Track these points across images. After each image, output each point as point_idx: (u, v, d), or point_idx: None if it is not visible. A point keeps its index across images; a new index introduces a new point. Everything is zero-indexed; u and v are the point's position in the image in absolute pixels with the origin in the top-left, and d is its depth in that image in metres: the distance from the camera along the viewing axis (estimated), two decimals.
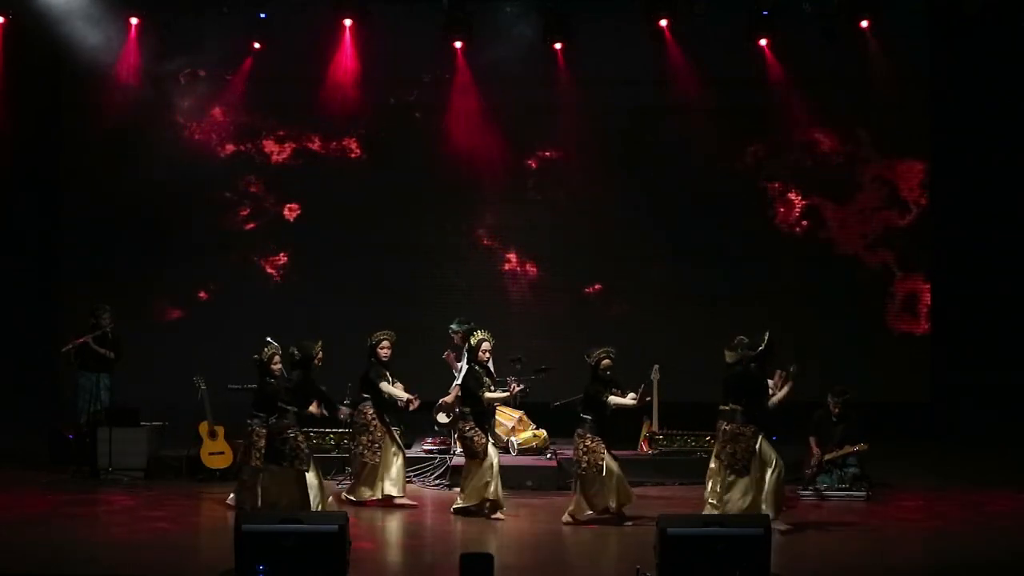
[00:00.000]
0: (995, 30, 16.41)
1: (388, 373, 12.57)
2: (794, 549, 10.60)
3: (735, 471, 11.12)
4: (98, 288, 16.14)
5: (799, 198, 17.61)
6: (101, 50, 16.39)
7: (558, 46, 16.86)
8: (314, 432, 13.39)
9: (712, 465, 11.47)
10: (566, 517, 11.60)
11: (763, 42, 16.93)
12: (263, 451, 11.68)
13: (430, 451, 14.04)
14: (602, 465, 11.45)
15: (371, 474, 12.39)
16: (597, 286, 17.53)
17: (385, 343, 12.56)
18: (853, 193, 17.60)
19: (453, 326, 13.69)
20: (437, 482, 13.41)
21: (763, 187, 17.57)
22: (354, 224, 17.23)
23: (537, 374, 14.23)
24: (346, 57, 17.04)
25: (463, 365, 13.24)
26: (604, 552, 10.78)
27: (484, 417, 12.10)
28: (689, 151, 17.26)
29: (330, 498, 11.96)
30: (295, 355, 11.78)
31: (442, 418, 13.80)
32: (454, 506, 12.07)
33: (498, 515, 11.83)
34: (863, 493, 12.91)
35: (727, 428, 11.22)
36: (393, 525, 11.81)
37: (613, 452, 11.72)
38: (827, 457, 13.08)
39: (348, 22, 16.79)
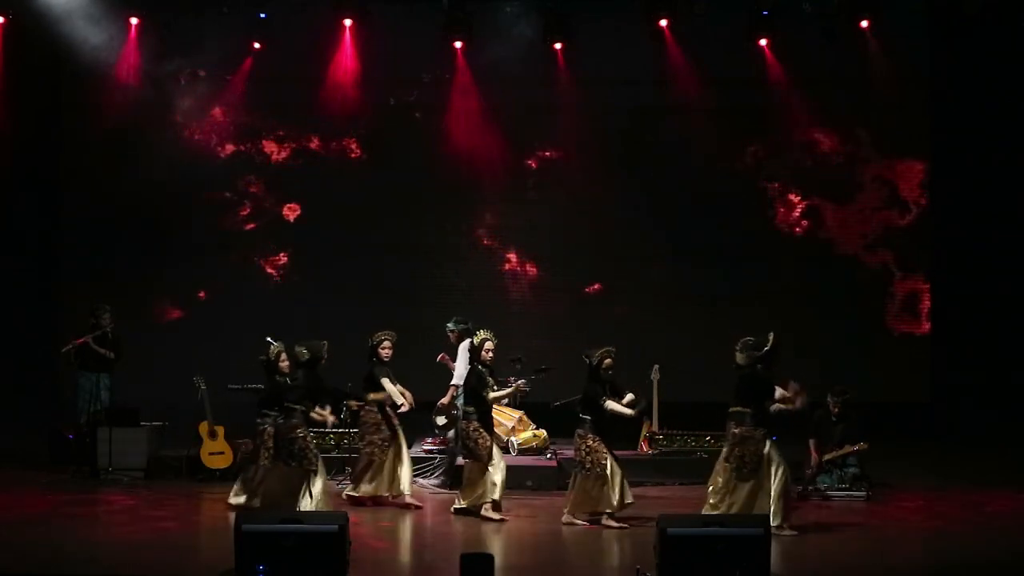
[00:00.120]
0: (995, 30, 16.42)
1: (391, 373, 12.58)
2: (794, 549, 10.59)
3: (741, 475, 11.07)
4: (98, 288, 16.14)
5: (799, 198, 17.62)
6: (101, 50, 16.39)
7: (558, 46, 16.87)
8: (314, 431, 13.37)
9: (718, 467, 11.41)
10: (566, 517, 11.58)
11: (763, 42, 16.95)
12: (272, 450, 11.67)
13: (430, 451, 14.04)
14: (605, 464, 11.44)
15: (377, 471, 12.37)
16: (597, 286, 17.53)
17: (387, 343, 12.55)
18: (853, 193, 17.61)
19: (450, 325, 13.69)
20: (437, 482, 13.40)
21: (763, 187, 17.58)
22: (354, 224, 17.24)
23: (537, 374, 14.24)
24: (346, 57, 17.05)
25: (459, 365, 13.25)
26: (604, 552, 10.78)
27: (489, 417, 12.09)
28: (689, 151, 17.27)
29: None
30: (304, 355, 11.75)
31: (440, 420, 13.79)
32: (454, 507, 12.06)
33: (490, 513, 11.77)
34: (863, 493, 12.91)
35: (736, 431, 11.18)
36: (394, 525, 11.80)
37: (614, 452, 11.70)
38: (827, 457, 13.07)
39: (348, 22, 16.80)
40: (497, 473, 11.81)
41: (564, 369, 13.90)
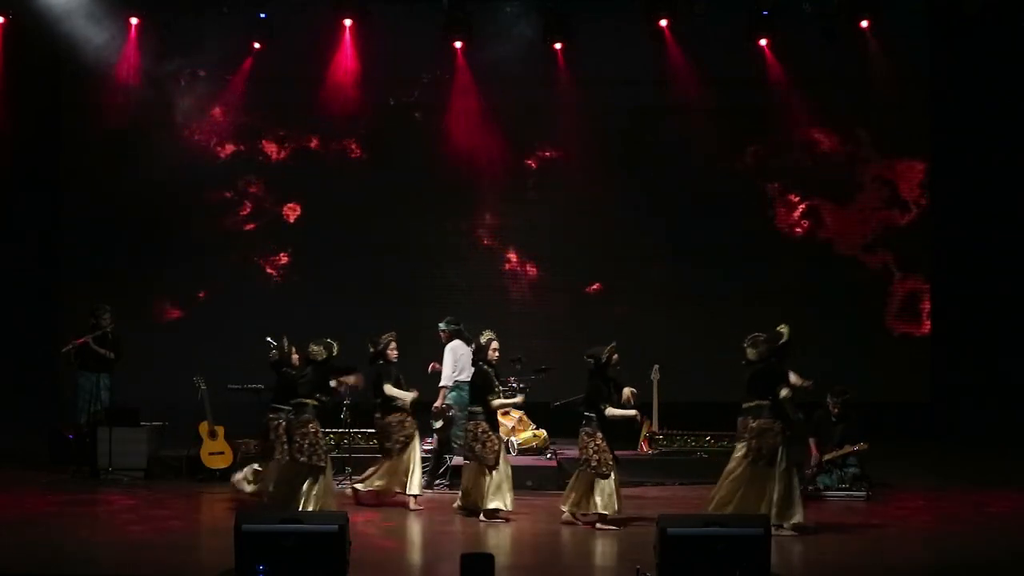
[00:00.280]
0: (995, 30, 16.44)
1: (399, 375, 12.64)
2: (794, 549, 10.59)
3: (756, 467, 11.03)
4: (98, 288, 16.14)
5: (799, 198, 17.62)
6: (101, 50, 16.41)
7: (558, 46, 16.88)
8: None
9: (731, 465, 11.35)
10: (566, 515, 11.54)
11: (763, 42, 16.96)
12: (286, 445, 11.67)
13: (428, 451, 14.03)
14: (612, 465, 11.43)
15: (391, 468, 12.38)
16: (597, 286, 17.54)
17: (393, 344, 12.59)
18: (853, 193, 17.61)
19: (441, 325, 13.69)
20: (437, 482, 13.40)
21: (763, 187, 17.59)
22: (354, 224, 17.24)
23: (537, 374, 14.26)
24: (346, 57, 17.06)
25: (445, 367, 13.26)
26: (604, 552, 10.78)
27: (495, 417, 12.09)
28: (689, 151, 17.28)
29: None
30: (321, 354, 11.70)
31: (437, 424, 13.77)
32: (457, 503, 12.05)
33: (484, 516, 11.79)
34: (863, 493, 12.91)
35: (754, 424, 11.15)
36: (394, 525, 11.80)
37: (615, 453, 11.70)
38: (827, 457, 13.07)
39: (348, 22, 16.81)
40: (504, 481, 11.80)
41: (564, 369, 13.93)
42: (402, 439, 12.38)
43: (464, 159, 17.25)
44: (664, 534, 8.64)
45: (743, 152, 17.52)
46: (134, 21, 16.61)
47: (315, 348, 11.71)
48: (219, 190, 17.45)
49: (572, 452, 14.07)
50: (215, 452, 13.71)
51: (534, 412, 14.59)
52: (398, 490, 12.39)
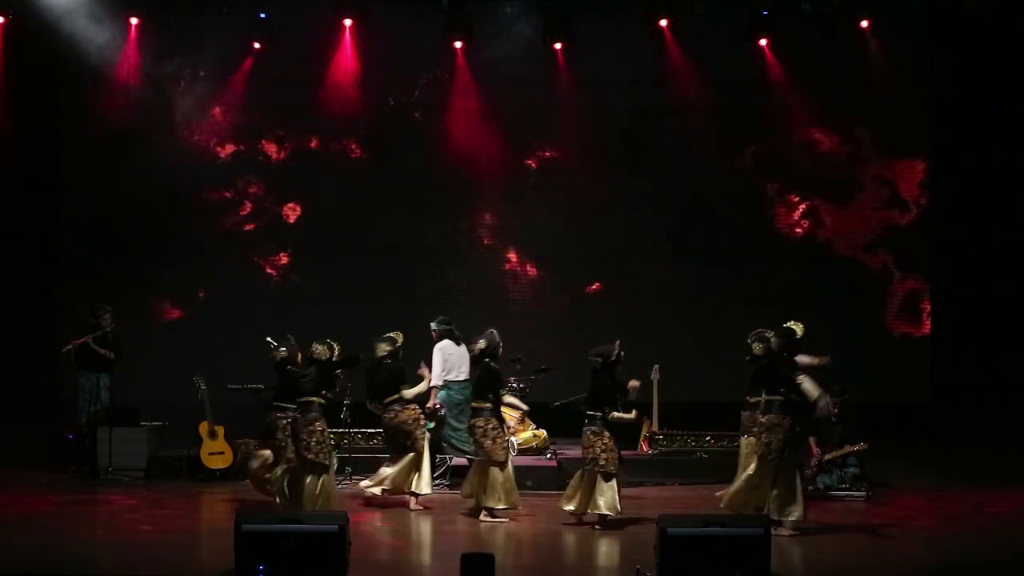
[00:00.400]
0: (995, 30, 16.44)
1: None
2: (794, 549, 10.59)
3: (765, 462, 11.02)
4: (98, 288, 16.14)
5: (799, 198, 17.63)
6: (101, 50, 16.39)
7: (558, 46, 16.89)
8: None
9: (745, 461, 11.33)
10: (570, 513, 11.51)
11: (763, 42, 16.96)
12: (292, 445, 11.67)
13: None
14: (618, 464, 11.43)
15: (408, 466, 12.40)
16: (597, 286, 17.54)
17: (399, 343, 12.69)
18: (853, 193, 17.62)
19: (433, 324, 13.68)
20: (437, 482, 13.39)
21: (763, 187, 17.59)
22: (354, 224, 17.24)
23: (537, 374, 14.25)
24: (346, 57, 17.06)
25: (435, 366, 13.27)
26: (604, 552, 10.78)
27: (501, 413, 12.10)
28: (689, 151, 17.28)
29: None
30: (325, 353, 11.68)
31: (430, 424, 13.77)
32: (467, 504, 12.02)
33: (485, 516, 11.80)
34: (863, 493, 12.90)
35: (763, 419, 11.14)
36: (394, 525, 11.80)
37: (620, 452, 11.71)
38: (827, 457, 13.07)
39: (348, 22, 16.81)
40: (512, 479, 11.81)
41: (564, 369, 13.93)
42: (422, 436, 12.43)
43: (464, 159, 17.24)
44: (664, 534, 8.64)
45: (743, 152, 17.52)
46: (134, 21, 16.61)
47: (318, 347, 11.71)
48: (219, 190, 17.45)
49: (573, 452, 14.09)
50: (215, 452, 13.71)
51: (534, 412, 14.58)
52: (405, 489, 12.39)
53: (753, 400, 11.59)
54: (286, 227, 17.51)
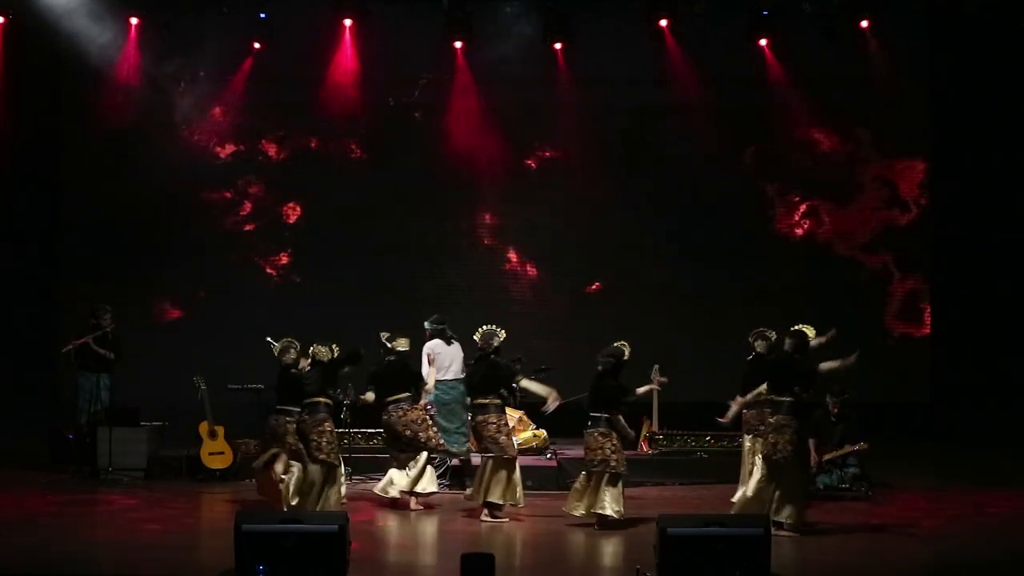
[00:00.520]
0: (995, 30, 16.44)
1: None
2: (794, 549, 10.59)
3: (772, 463, 11.01)
4: (98, 288, 16.14)
5: (799, 198, 17.63)
6: (101, 50, 16.39)
7: (558, 46, 16.88)
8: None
9: (752, 463, 11.30)
10: (581, 515, 11.46)
11: (763, 42, 16.96)
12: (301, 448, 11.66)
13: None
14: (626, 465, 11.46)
15: (424, 466, 12.45)
16: (597, 286, 17.54)
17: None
18: (853, 193, 17.61)
19: (426, 324, 13.69)
20: (437, 482, 13.38)
21: (763, 187, 17.58)
22: (354, 224, 17.24)
23: (537, 374, 14.21)
24: (346, 57, 17.05)
25: (425, 367, 13.32)
26: (604, 552, 10.78)
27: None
28: (689, 151, 17.26)
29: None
30: (327, 354, 11.67)
31: None
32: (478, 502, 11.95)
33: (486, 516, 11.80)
34: (863, 493, 12.90)
35: (772, 420, 11.13)
36: (394, 525, 11.80)
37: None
38: (827, 457, 13.04)
39: (348, 22, 16.81)
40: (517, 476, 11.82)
41: (564, 369, 13.92)
42: (435, 434, 12.46)
43: (464, 159, 17.24)
44: (664, 534, 8.64)
45: (743, 152, 17.52)
46: (134, 21, 16.60)
47: (321, 349, 11.71)
48: (219, 190, 17.45)
49: (573, 452, 14.09)
50: (215, 452, 13.71)
51: (534, 412, 14.57)
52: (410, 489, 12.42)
53: (766, 398, 11.54)
54: (286, 227, 17.51)
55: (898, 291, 17.59)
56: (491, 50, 16.78)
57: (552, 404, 11.92)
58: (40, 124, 17.16)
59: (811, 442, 13.08)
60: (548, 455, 14.12)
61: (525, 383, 12.07)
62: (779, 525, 10.80)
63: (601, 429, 11.40)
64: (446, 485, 13.36)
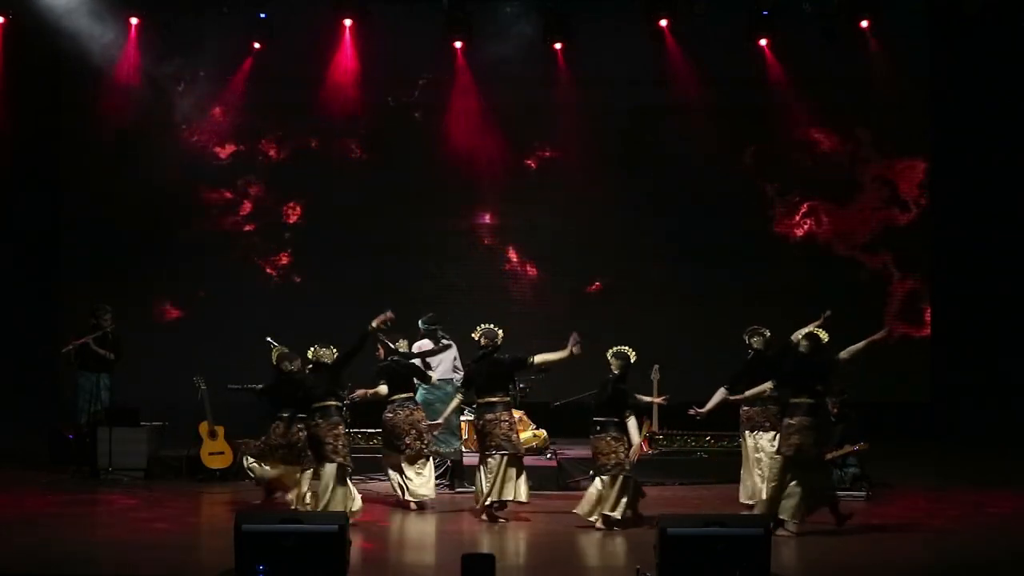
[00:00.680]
0: (995, 30, 16.44)
1: None
2: (794, 549, 10.59)
3: (797, 464, 11.03)
4: (98, 288, 16.14)
5: (799, 198, 17.63)
6: (101, 50, 16.38)
7: (558, 46, 16.89)
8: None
9: (767, 464, 11.28)
10: (598, 520, 11.44)
11: (763, 42, 16.96)
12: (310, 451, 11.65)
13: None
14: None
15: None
16: (597, 286, 17.54)
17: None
18: (853, 193, 17.62)
19: (420, 322, 13.70)
20: (437, 482, 13.37)
21: (763, 187, 17.59)
22: (354, 224, 17.24)
23: (537, 374, 14.20)
24: (346, 57, 17.05)
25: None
26: (604, 552, 10.78)
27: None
28: (689, 151, 17.26)
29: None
30: (326, 355, 11.67)
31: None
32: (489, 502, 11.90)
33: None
34: (863, 493, 12.90)
35: (793, 421, 11.11)
36: (395, 525, 11.80)
37: None
38: (827, 457, 13.04)
39: (348, 22, 16.81)
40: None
41: (564, 369, 13.90)
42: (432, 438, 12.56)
43: (464, 159, 17.24)
44: (664, 534, 8.64)
45: (743, 152, 17.52)
46: (134, 21, 16.60)
47: (324, 351, 11.69)
48: (219, 190, 17.45)
49: (573, 452, 14.10)
50: (215, 452, 13.71)
51: (534, 412, 14.59)
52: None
53: (795, 401, 11.49)
54: (286, 227, 17.51)
55: (898, 291, 17.59)
56: (491, 50, 16.78)
57: (573, 345, 11.75)
58: (40, 124, 17.16)
59: None
60: (548, 455, 14.12)
61: (539, 357, 11.96)
62: (782, 523, 10.82)
63: (613, 433, 11.42)
64: (446, 485, 13.37)
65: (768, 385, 11.70)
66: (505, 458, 11.73)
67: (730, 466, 13.10)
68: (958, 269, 17.36)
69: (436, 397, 13.29)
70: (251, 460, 12.21)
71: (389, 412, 12.40)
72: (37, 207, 17.19)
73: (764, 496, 11.46)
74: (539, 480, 13.38)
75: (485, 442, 11.81)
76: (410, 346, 13.04)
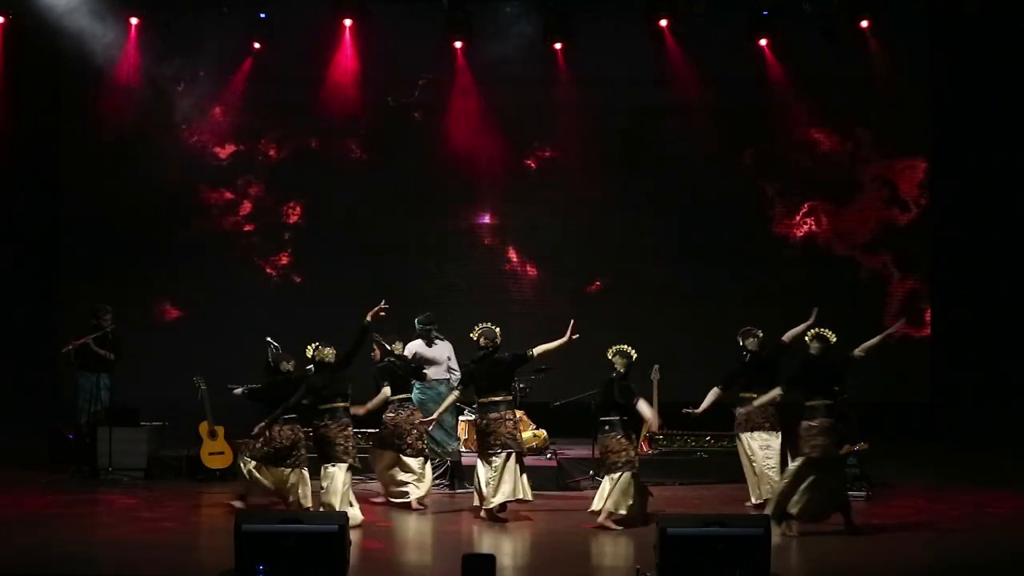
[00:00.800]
0: (995, 30, 16.44)
1: None
2: (794, 549, 10.59)
3: (821, 463, 11.03)
4: (98, 288, 16.14)
5: (799, 198, 17.62)
6: (101, 50, 16.38)
7: (558, 46, 16.89)
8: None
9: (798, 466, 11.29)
10: (605, 520, 11.48)
11: (763, 42, 16.96)
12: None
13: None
14: None
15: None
16: (597, 286, 17.54)
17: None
18: (853, 193, 17.61)
19: (416, 322, 13.70)
20: (437, 482, 13.38)
21: (763, 187, 17.58)
22: (354, 224, 17.24)
23: (537, 374, 14.23)
24: (346, 57, 17.05)
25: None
26: (604, 552, 10.78)
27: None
28: (689, 151, 17.26)
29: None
30: (328, 355, 11.66)
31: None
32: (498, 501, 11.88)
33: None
34: (863, 493, 12.89)
35: (815, 424, 11.09)
36: (395, 525, 11.80)
37: None
38: None
39: (348, 22, 16.81)
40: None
41: (564, 369, 13.92)
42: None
43: (464, 159, 17.24)
44: (664, 534, 8.64)
45: (743, 152, 17.52)
46: (134, 21, 16.60)
47: (327, 350, 11.68)
48: (219, 190, 17.45)
49: (573, 452, 14.11)
50: (215, 452, 13.71)
51: (534, 412, 14.59)
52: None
53: (810, 404, 11.46)
54: (286, 227, 17.51)
55: (898, 291, 17.59)
56: (491, 50, 16.78)
57: (571, 333, 11.84)
58: (40, 124, 17.16)
59: None
60: (548, 455, 14.12)
61: (539, 348, 11.95)
62: (790, 520, 10.83)
63: (623, 431, 11.51)
64: (446, 485, 13.37)
65: (778, 391, 11.63)
66: (512, 456, 11.73)
67: (730, 466, 13.11)
68: (958, 269, 17.36)
69: (428, 397, 13.25)
70: (251, 465, 12.01)
71: (391, 412, 12.40)
72: (37, 207, 17.19)
73: (772, 493, 11.44)
74: (539, 480, 13.36)
75: (489, 440, 11.78)
76: (403, 347, 13.02)
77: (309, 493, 11.60)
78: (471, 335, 12.14)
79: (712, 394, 12.21)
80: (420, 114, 17.47)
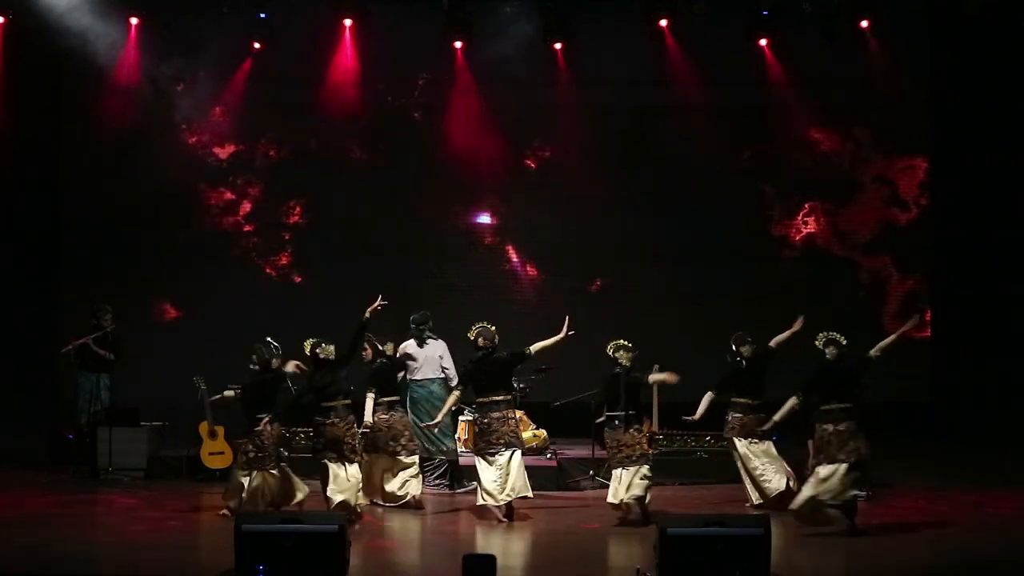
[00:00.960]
0: (995, 30, 16.44)
1: None
2: (794, 549, 10.59)
3: (856, 464, 11.07)
4: (98, 288, 16.14)
5: (799, 198, 17.62)
6: (101, 50, 16.38)
7: (558, 46, 16.89)
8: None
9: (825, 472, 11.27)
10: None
11: (763, 42, 16.96)
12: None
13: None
14: None
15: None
16: (597, 286, 17.54)
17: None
18: (853, 193, 17.61)
19: (411, 321, 13.70)
20: (437, 482, 13.39)
21: (763, 187, 17.58)
22: (354, 224, 17.24)
23: (537, 374, 14.23)
24: (346, 57, 17.05)
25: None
26: (604, 552, 10.78)
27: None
28: (689, 151, 17.26)
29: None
30: (329, 352, 11.66)
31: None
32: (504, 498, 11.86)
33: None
34: (863, 493, 12.86)
35: (842, 428, 11.10)
36: (395, 525, 11.80)
37: None
38: None
39: (348, 22, 16.81)
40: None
41: (564, 369, 13.92)
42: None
43: (464, 159, 17.24)
44: (664, 534, 8.65)
45: (743, 152, 17.52)
46: (134, 21, 16.60)
47: (328, 348, 11.68)
48: (219, 190, 17.45)
49: (573, 452, 14.11)
50: (215, 452, 13.71)
51: (534, 412, 14.59)
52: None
53: (826, 408, 11.44)
54: (286, 227, 17.50)
55: (898, 291, 17.59)
56: (491, 50, 16.77)
57: (568, 330, 11.95)
58: (40, 124, 17.15)
59: (810, 443, 13.14)
60: (548, 455, 14.12)
61: (537, 346, 11.96)
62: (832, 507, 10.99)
63: (636, 425, 11.66)
64: (446, 485, 13.36)
65: (795, 401, 11.58)
66: (515, 454, 11.73)
67: (730, 466, 13.09)
68: (958, 269, 17.36)
69: (420, 395, 13.23)
70: (243, 473, 11.74)
71: (384, 415, 12.40)
72: (37, 207, 17.18)
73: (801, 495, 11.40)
74: (539, 480, 13.34)
75: (492, 439, 11.77)
76: (395, 348, 13.03)
77: (298, 490, 11.62)
78: (468, 335, 12.13)
79: (707, 399, 12.33)
80: (420, 114, 17.48)
